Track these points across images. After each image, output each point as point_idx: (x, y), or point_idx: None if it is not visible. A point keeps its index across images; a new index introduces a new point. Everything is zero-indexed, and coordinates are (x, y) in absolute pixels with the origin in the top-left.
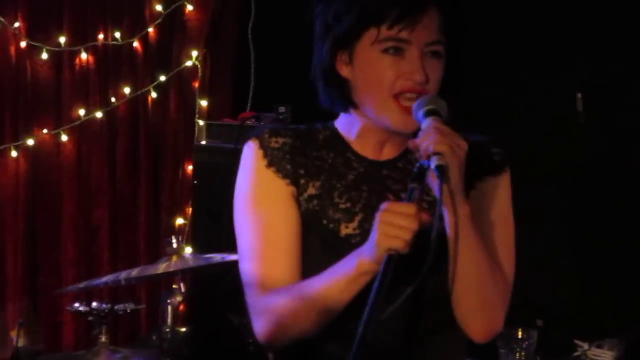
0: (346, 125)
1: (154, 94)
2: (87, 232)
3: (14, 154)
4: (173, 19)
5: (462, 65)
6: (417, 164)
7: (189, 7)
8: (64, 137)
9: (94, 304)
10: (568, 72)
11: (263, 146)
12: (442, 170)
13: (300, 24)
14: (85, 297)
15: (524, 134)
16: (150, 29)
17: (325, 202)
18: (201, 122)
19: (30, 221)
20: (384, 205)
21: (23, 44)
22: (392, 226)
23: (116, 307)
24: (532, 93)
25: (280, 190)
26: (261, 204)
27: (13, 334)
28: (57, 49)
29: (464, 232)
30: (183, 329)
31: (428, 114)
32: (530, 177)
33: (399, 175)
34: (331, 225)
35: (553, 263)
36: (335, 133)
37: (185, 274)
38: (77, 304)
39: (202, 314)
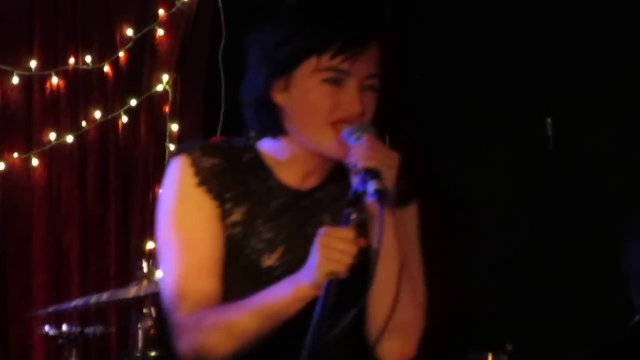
0: (272, 150)
1: (124, 118)
2: (57, 256)
3: None
4: (143, 43)
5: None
6: (352, 190)
7: (160, 32)
8: (35, 161)
9: (64, 327)
10: (537, 97)
11: (195, 164)
12: (381, 194)
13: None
14: (56, 320)
15: (491, 159)
16: (121, 54)
17: (249, 229)
18: (172, 147)
19: (0, 244)
20: (322, 230)
21: None
22: (333, 250)
23: (86, 330)
24: (499, 118)
25: (209, 210)
26: (190, 222)
27: None
28: (27, 73)
29: (390, 249)
30: (153, 353)
31: (359, 139)
32: (497, 203)
33: (317, 209)
34: (253, 256)
35: (522, 288)
36: (259, 157)
37: (156, 298)
38: (47, 327)
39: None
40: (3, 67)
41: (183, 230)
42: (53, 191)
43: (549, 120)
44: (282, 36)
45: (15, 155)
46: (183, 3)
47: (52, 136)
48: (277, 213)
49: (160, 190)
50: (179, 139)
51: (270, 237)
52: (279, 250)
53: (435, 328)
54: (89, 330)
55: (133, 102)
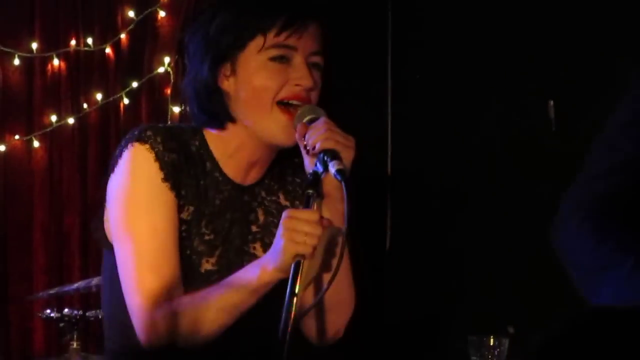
0: (217, 140)
1: (125, 101)
2: (58, 238)
3: None
4: (145, 25)
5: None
6: (311, 171)
7: (161, 14)
8: (36, 143)
9: (65, 310)
10: (540, 79)
11: (159, 159)
12: (343, 174)
13: None
14: (57, 303)
15: (493, 142)
16: (122, 35)
17: (193, 230)
18: None
19: (1, 227)
20: (286, 213)
21: None
22: (298, 232)
23: (88, 313)
24: (502, 100)
25: (172, 203)
26: (155, 215)
27: None
28: (28, 55)
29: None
30: None
31: (311, 122)
32: (500, 186)
33: (256, 205)
34: (194, 257)
35: (524, 270)
36: (205, 146)
37: None
38: (48, 311)
39: None
40: (4, 49)
41: (150, 220)
42: (54, 173)
43: (551, 102)
44: (224, 21)
45: (17, 137)
46: None
47: (54, 118)
48: (219, 211)
49: (117, 175)
50: (180, 121)
51: (210, 239)
52: (217, 253)
53: (438, 310)
54: (90, 313)
55: (134, 85)
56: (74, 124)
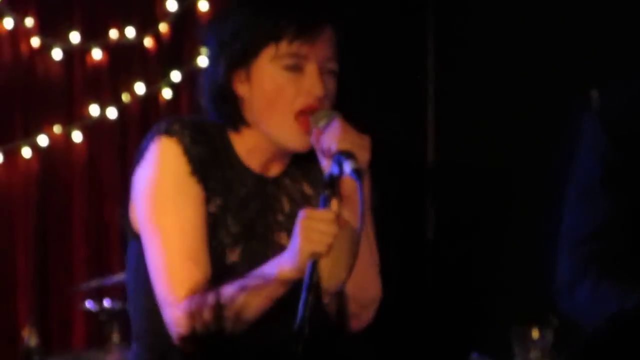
0: (237, 136)
1: (166, 92)
2: (99, 231)
3: (25, 151)
4: (185, 17)
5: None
6: (327, 173)
7: (202, 4)
8: (76, 135)
9: (106, 302)
10: (584, 69)
11: (187, 152)
12: (359, 173)
13: None
14: (97, 295)
15: (536, 134)
16: (163, 27)
17: (219, 222)
18: None
19: (41, 219)
20: (302, 213)
21: (35, 41)
22: (314, 231)
23: (128, 306)
24: (544, 91)
25: (200, 197)
26: (184, 208)
27: (24, 333)
28: (68, 46)
29: (366, 227)
30: None
31: (326, 125)
32: (543, 179)
33: (281, 194)
34: (219, 249)
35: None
36: (228, 140)
37: None
38: (88, 303)
39: None
40: (44, 40)
41: (178, 215)
42: (94, 165)
43: (595, 92)
44: (237, 26)
45: (57, 129)
46: None
47: (94, 109)
48: (244, 203)
49: (143, 168)
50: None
51: (236, 231)
52: (242, 245)
53: (481, 300)
54: None
55: (175, 76)
56: (113, 116)
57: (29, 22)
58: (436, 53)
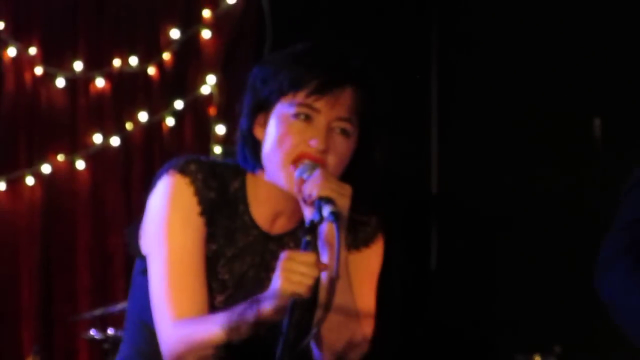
0: (254, 184)
1: (169, 121)
2: (102, 259)
3: (29, 180)
4: (189, 45)
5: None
6: (309, 220)
7: (205, 33)
8: (79, 164)
9: (110, 331)
10: (585, 97)
11: (199, 193)
12: (336, 216)
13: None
14: (101, 324)
15: (538, 167)
16: (166, 55)
17: (210, 267)
18: (217, 149)
19: (45, 248)
20: (284, 254)
21: (38, 71)
22: (295, 273)
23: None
24: (547, 118)
25: (203, 237)
26: (189, 240)
27: None
28: (72, 75)
29: (343, 275)
30: None
31: (309, 178)
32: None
33: (280, 254)
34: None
35: (571, 291)
36: (243, 189)
37: None
38: (92, 332)
39: None
40: (48, 69)
41: (182, 246)
42: (98, 194)
43: (597, 121)
44: (266, 74)
45: (60, 157)
46: (228, 4)
47: (97, 138)
48: (241, 254)
49: (155, 197)
50: (224, 141)
51: (225, 279)
52: (227, 294)
53: (484, 329)
54: None
55: (178, 105)
56: (117, 145)
57: (33, 51)
58: (439, 87)
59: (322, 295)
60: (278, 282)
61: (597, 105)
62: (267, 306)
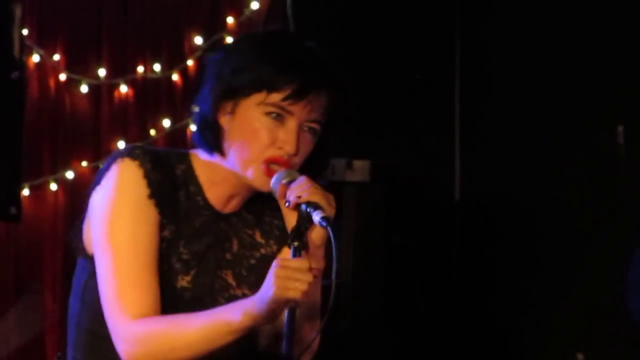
0: (204, 167)
1: (193, 127)
2: None
3: (52, 186)
4: (213, 51)
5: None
6: (295, 225)
7: (229, 40)
8: None
9: None
10: (609, 104)
11: (147, 176)
12: (328, 221)
13: (339, 55)
14: None
15: (560, 169)
16: (190, 62)
17: (172, 248)
18: None
19: (69, 255)
20: (277, 262)
21: (62, 77)
22: (290, 279)
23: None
24: (570, 125)
25: (155, 220)
26: (140, 229)
27: None
28: (96, 81)
29: (318, 283)
30: None
31: (290, 183)
32: (568, 217)
33: (230, 233)
34: (170, 274)
35: (594, 296)
36: (191, 170)
37: None
38: None
39: None
40: (72, 75)
41: (134, 235)
42: None
43: (620, 128)
44: (240, 63)
45: (84, 164)
46: (252, 11)
47: (121, 145)
48: (198, 234)
49: (103, 188)
50: None
51: (187, 259)
52: (192, 273)
53: (506, 336)
54: None
55: None
56: None
57: (57, 57)
58: (462, 92)
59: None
60: (271, 289)
61: (620, 112)
62: (254, 312)
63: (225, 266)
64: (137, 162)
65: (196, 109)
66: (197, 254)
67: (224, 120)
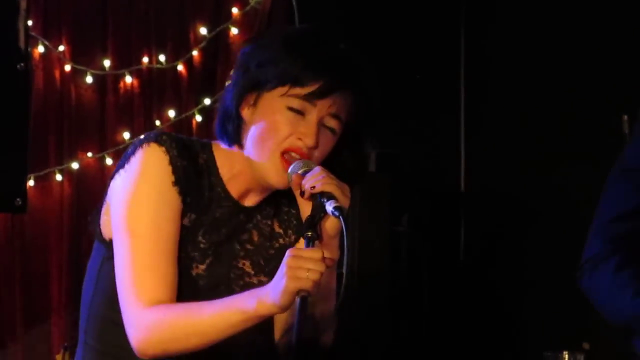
0: (225, 158)
1: (198, 118)
2: None
3: (58, 177)
4: (217, 42)
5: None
6: (310, 215)
7: (234, 31)
8: (109, 161)
9: None
10: (614, 93)
11: (172, 163)
12: (341, 211)
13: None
14: None
15: (565, 159)
16: (195, 53)
17: (190, 236)
18: None
19: (75, 245)
20: (290, 252)
21: (67, 68)
22: (301, 269)
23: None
24: (574, 114)
25: (178, 207)
26: (162, 215)
27: (58, 358)
28: (101, 72)
29: (332, 272)
30: None
31: (305, 173)
32: (571, 203)
33: (251, 226)
34: (186, 261)
35: None
36: (213, 161)
37: None
38: None
39: None
40: (77, 66)
41: (154, 222)
42: None
43: (626, 117)
44: (268, 57)
45: (89, 155)
46: (257, 2)
47: (126, 136)
48: (216, 224)
49: (127, 172)
50: None
51: (204, 248)
52: (207, 262)
53: (512, 326)
54: None
55: (207, 102)
56: None
57: (62, 48)
58: (467, 86)
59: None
60: (283, 279)
61: (625, 101)
62: (268, 301)
63: (243, 257)
64: (163, 148)
65: (220, 100)
66: (215, 243)
67: (246, 113)
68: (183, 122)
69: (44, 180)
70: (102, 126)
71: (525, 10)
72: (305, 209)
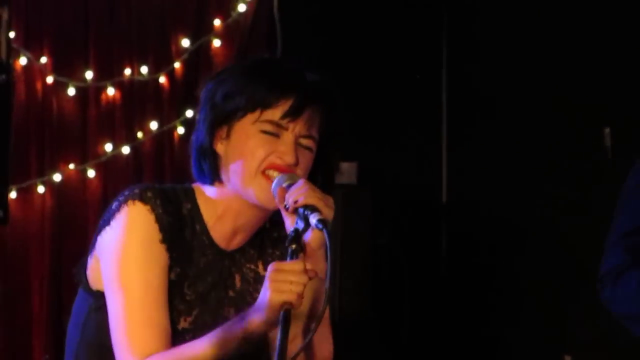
0: (208, 202)
1: (180, 130)
2: None
3: (40, 189)
4: (199, 54)
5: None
6: (292, 228)
7: (215, 42)
8: (90, 173)
9: None
10: (596, 107)
11: (158, 221)
12: (325, 223)
13: (326, 58)
14: None
15: (547, 172)
16: (177, 64)
17: (176, 290)
18: None
19: (56, 257)
20: (272, 266)
21: (49, 80)
22: (284, 282)
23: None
24: (556, 127)
25: (166, 264)
26: (151, 272)
27: None
28: (83, 84)
29: (320, 284)
30: None
31: (289, 187)
32: (553, 215)
33: (234, 270)
34: (173, 315)
35: (580, 298)
36: (196, 209)
37: None
38: None
39: None
40: (59, 78)
41: (146, 277)
42: (108, 202)
43: (607, 130)
44: (231, 88)
45: (71, 166)
46: (239, 13)
47: (108, 147)
48: (201, 274)
49: (114, 230)
50: None
51: (190, 299)
52: (194, 313)
53: (492, 337)
54: None
55: (189, 114)
56: (128, 154)
57: (44, 60)
58: (449, 98)
59: (309, 303)
60: (267, 293)
61: (607, 114)
62: (256, 318)
63: (228, 303)
64: (148, 207)
65: (192, 141)
66: (201, 293)
67: (220, 147)
68: (165, 134)
69: (26, 192)
70: (84, 138)
71: (507, 24)
72: (291, 223)
